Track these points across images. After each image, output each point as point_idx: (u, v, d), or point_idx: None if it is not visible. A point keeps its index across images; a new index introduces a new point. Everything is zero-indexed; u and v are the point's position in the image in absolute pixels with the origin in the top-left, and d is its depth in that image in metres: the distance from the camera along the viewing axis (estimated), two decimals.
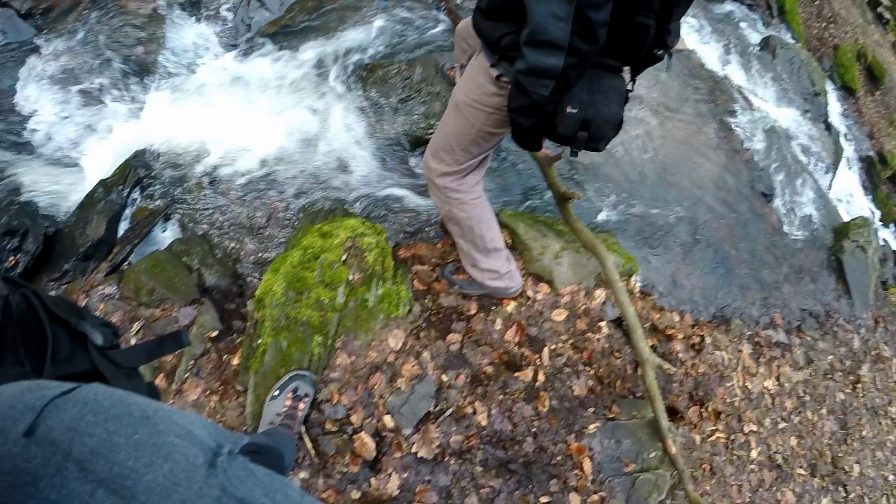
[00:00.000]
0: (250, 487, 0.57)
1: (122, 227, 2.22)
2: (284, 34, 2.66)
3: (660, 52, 1.30)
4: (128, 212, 2.24)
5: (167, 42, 2.58)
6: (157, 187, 2.28)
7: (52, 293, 2.14)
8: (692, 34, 3.72)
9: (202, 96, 2.48)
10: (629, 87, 1.34)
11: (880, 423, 3.42)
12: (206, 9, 2.70)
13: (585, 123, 1.26)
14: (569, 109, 1.25)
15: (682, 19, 1.31)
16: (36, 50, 2.53)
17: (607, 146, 1.41)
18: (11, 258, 2.09)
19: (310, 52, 2.61)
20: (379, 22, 2.73)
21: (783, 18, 4.66)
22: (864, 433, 3.23)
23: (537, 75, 1.16)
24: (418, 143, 2.41)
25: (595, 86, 1.26)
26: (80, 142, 2.37)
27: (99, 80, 2.46)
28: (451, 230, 1.90)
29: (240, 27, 2.68)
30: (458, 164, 1.65)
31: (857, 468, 3.06)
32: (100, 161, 2.33)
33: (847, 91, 5.07)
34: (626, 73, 1.38)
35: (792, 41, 4.55)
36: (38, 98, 2.42)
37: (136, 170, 2.26)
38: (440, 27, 2.79)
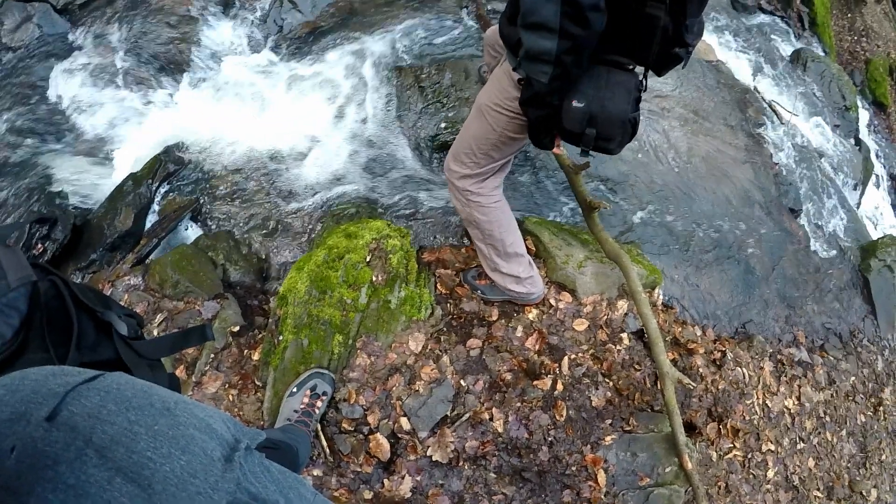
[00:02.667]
0: (265, 484, 0.57)
1: (150, 220, 2.26)
2: (316, 36, 2.69)
3: (679, 51, 1.28)
4: (156, 205, 2.28)
5: (200, 41, 2.62)
6: (185, 182, 2.32)
7: (78, 282, 2.18)
8: (722, 45, 3.67)
9: (232, 95, 2.51)
10: (642, 87, 1.31)
11: None
12: (239, 9, 2.74)
13: (592, 119, 1.25)
14: (575, 103, 1.24)
15: (708, 24, 1.28)
16: (71, 44, 2.59)
17: (622, 150, 1.38)
18: (40, 245, 2.14)
19: (340, 54, 2.63)
20: (409, 26, 2.74)
21: (814, 31, 4.58)
22: (883, 457, 3.16)
23: (534, 60, 1.16)
24: (445, 147, 2.41)
25: (602, 81, 1.25)
26: (111, 135, 2.42)
27: (131, 76, 2.51)
28: (471, 233, 1.90)
29: (272, 28, 2.71)
30: (478, 168, 1.66)
31: (874, 493, 2.99)
32: (130, 154, 2.38)
33: (878, 106, 4.96)
34: (644, 74, 1.36)
35: (823, 54, 4.47)
36: (71, 91, 2.47)
37: (166, 164, 2.30)
38: (470, 32, 2.79)
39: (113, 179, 2.33)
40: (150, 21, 2.62)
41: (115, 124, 2.45)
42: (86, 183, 2.36)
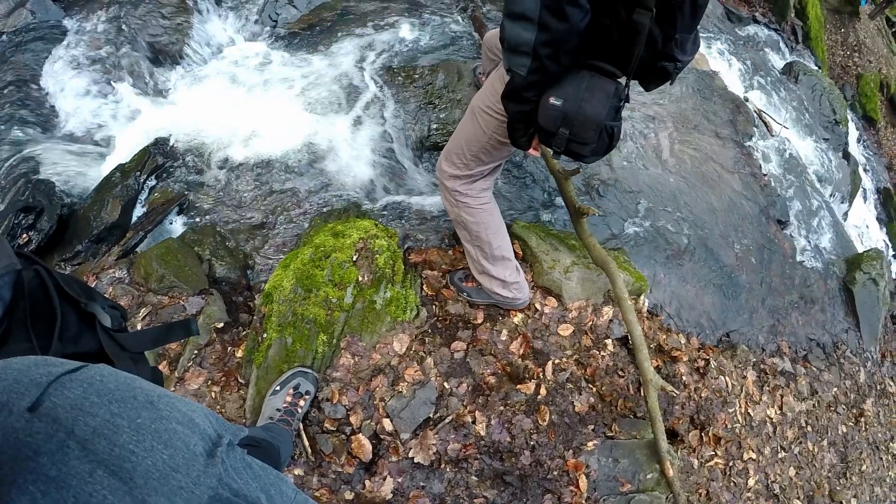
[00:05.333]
0: (246, 480, 0.57)
1: (137, 212, 2.24)
2: (310, 32, 2.68)
3: (667, 65, 1.28)
4: (143, 198, 2.26)
5: (194, 33, 2.60)
6: (173, 176, 2.30)
7: (63, 273, 2.15)
8: (715, 55, 3.70)
9: (224, 89, 2.49)
10: (623, 97, 1.31)
11: (881, 459, 3.37)
12: (233, 2, 2.72)
13: (567, 119, 1.25)
14: (552, 100, 1.25)
15: (702, 35, 1.28)
16: (64, 31, 2.56)
17: (596, 159, 1.38)
18: (25, 235, 2.11)
19: (334, 52, 2.62)
20: (404, 26, 2.74)
21: (808, 44, 4.63)
22: (863, 467, 3.19)
23: (514, 51, 1.17)
24: (436, 148, 2.41)
25: (583, 83, 1.25)
26: (100, 125, 2.40)
27: (124, 66, 2.49)
28: (459, 234, 1.90)
29: (266, 23, 2.70)
30: (467, 170, 1.66)
31: (854, 502, 3.02)
32: (119, 145, 2.35)
33: (868, 121, 5.03)
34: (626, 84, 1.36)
35: (815, 68, 4.52)
36: (62, 79, 2.44)
37: (155, 157, 2.28)
38: (464, 34, 2.80)
39: (101, 170, 2.30)
40: (145, 10, 2.59)
41: (105, 114, 2.42)
42: (73, 173, 2.34)
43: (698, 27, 1.29)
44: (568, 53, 1.18)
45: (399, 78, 2.53)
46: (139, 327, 1.92)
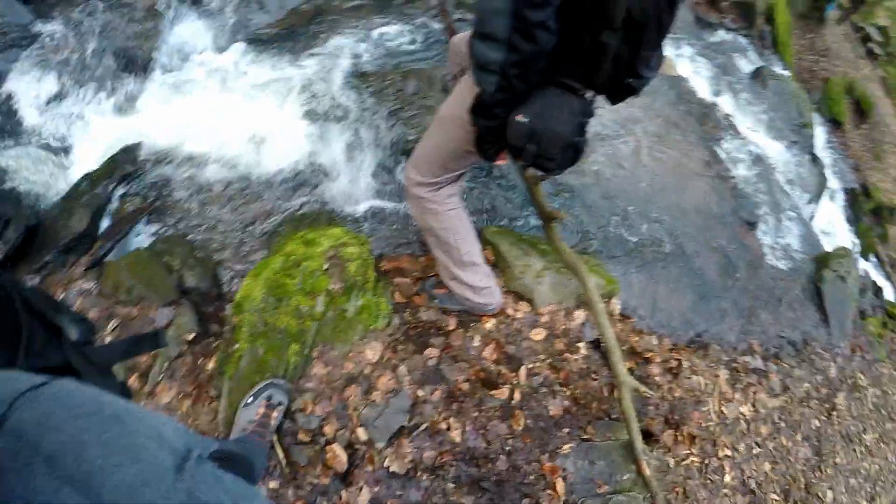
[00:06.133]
0: (217, 494, 0.57)
1: (105, 222, 2.20)
2: (281, 38, 2.67)
3: (632, 81, 1.31)
4: (112, 207, 2.22)
5: (164, 38, 2.57)
6: (142, 184, 2.27)
7: (31, 284, 2.11)
8: (684, 60, 3.78)
9: (195, 95, 2.47)
10: (590, 113, 1.33)
11: (854, 451, 3.46)
12: (204, 7, 2.70)
13: (534, 136, 1.27)
14: (519, 118, 1.27)
15: (672, 40, 1.31)
16: (33, 35, 2.51)
17: (563, 171, 1.40)
18: None
19: (305, 57, 2.61)
20: (375, 31, 2.75)
21: (776, 49, 4.75)
22: (838, 460, 3.27)
23: (482, 69, 1.19)
24: (407, 155, 2.41)
25: (550, 101, 1.27)
26: (68, 133, 2.35)
27: (93, 71, 2.45)
28: (428, 241, 1.91)
29: (238, 28, 2.68)
30: (433, 177, 1.68)
31: (830, 494, 3.09)
32: (87, 154, 2.31)
33: (834, 124, 5.17)
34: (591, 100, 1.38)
35: (783, 72, 4.64)
36: (28, 84, 2.39)
37: (123, 165, 2.25)
38: (435, 40, 2.81)
39: (69, 179, 2.26)
40: (116, 14, 2.55)
41: (73, 121, 2.38)
42: (40, 181, 2.28)
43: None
44: (537, 73, 1.20)
45: (371, 84, 2.54)
46: (108, 340, 1.88)
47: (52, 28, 2.51)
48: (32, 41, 2.48)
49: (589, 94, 1.35)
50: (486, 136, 1.37)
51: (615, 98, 1.40)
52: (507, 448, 1.94)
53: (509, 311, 2.11)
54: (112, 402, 0.52)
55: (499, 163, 1.49)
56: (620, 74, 1.28)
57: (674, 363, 2.49)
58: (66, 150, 2.32)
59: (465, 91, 1.45)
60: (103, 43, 2.50)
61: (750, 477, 2.69)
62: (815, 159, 4.33)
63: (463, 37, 1.85)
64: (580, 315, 2.21)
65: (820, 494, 3.02)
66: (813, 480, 3.01)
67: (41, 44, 2.47)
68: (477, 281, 1.90)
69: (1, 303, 0.66)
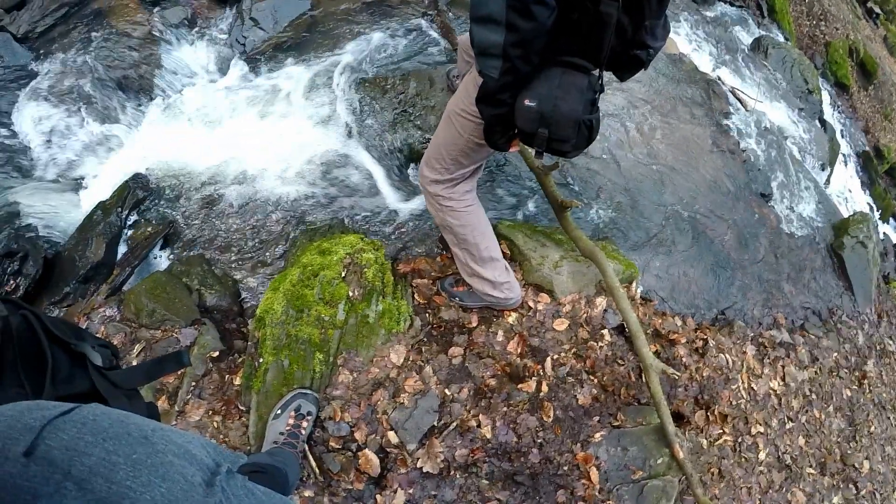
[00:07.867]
0: None
1: (122, 249, 2.22)
2: (279, 52, 2.67)
3: (639, 53, 1.29)
4: (127, 233, 2.24)
5: (163, 63, 2.60)
6: (155, 208, 2.29)
7: (51, 315, 2.13)
8: (683, 38, 3.74)
9: (198, 116, 2.49)
10: (598, 89, 1.31)
11: (888, 418, 3.40)
12: (200, 29, 2.72)
13: (544, 119, 1.26)
14: (527, 102, 1.25)
15: (671, 20, 1.28)
16: (33, 73, 2.55)
17: (578, 153, 1.38)
18: (12, 282, 2.09)
19: (304, 69, 2.62)
20: (372, 38, 2.75)
21: (774, 18, 4.68)
22: (872, 429, 3.21)
23: (484, 54, 1.17)
24: (414, 156, 2.41)
25: (555, 81, 1.25)
26: (78, 164, 2.38)
27: (96, 103, 2.48)
28: (446, 238, 1.90)
29: (235, 47, 2.70)
30: (448, 174, 1.67)
31: (866, 464, 3.04)
32: (98, 183, 2.34)
33: (840, 87, 5.09)
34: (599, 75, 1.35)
35: (783, 40, 4.58)
36: (35, 121, 2.43)
37: (135, 191, 2.27)
38: (432, 41, 2.81)
39: (82, 209, 2.29)
40: (112, 45, 2.58)
41: (82, 153, 2.41)
42: (54, 214, 2.32)
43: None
44: (538, 52, 1.18)
45: (372, 90, 2.54)
46: (134, 363, 1.90)
47: (51, 65, 2.55)
48: (33, 79, 2.52)
49: (596, 72, 1.33)
50: (494, 126, 1.36)
51: (623, 72, 1.37)
52: (539, 440, 1.93)
53: (530, 304, 2.10)
54: (139, 423, 0.52)
55: (512, 150, 1.48)
56: (626, 46, 1.26)
57: (699, 343, 2.46)
58: (76, 182, 2.35)
59: (470, 84, 1.45)
60: (104, 73, 2.53)
61: (785, 452, 2.65)
62: (824, 125, 4.26)
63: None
64: (602, 302, 2.19)
65: (857, 465, 2.97)
66: (848, 451, 2.97)
67: (42, 81, 2.51)
68: (497, 276, 1.89)
69: (25, 334, 0.67)
